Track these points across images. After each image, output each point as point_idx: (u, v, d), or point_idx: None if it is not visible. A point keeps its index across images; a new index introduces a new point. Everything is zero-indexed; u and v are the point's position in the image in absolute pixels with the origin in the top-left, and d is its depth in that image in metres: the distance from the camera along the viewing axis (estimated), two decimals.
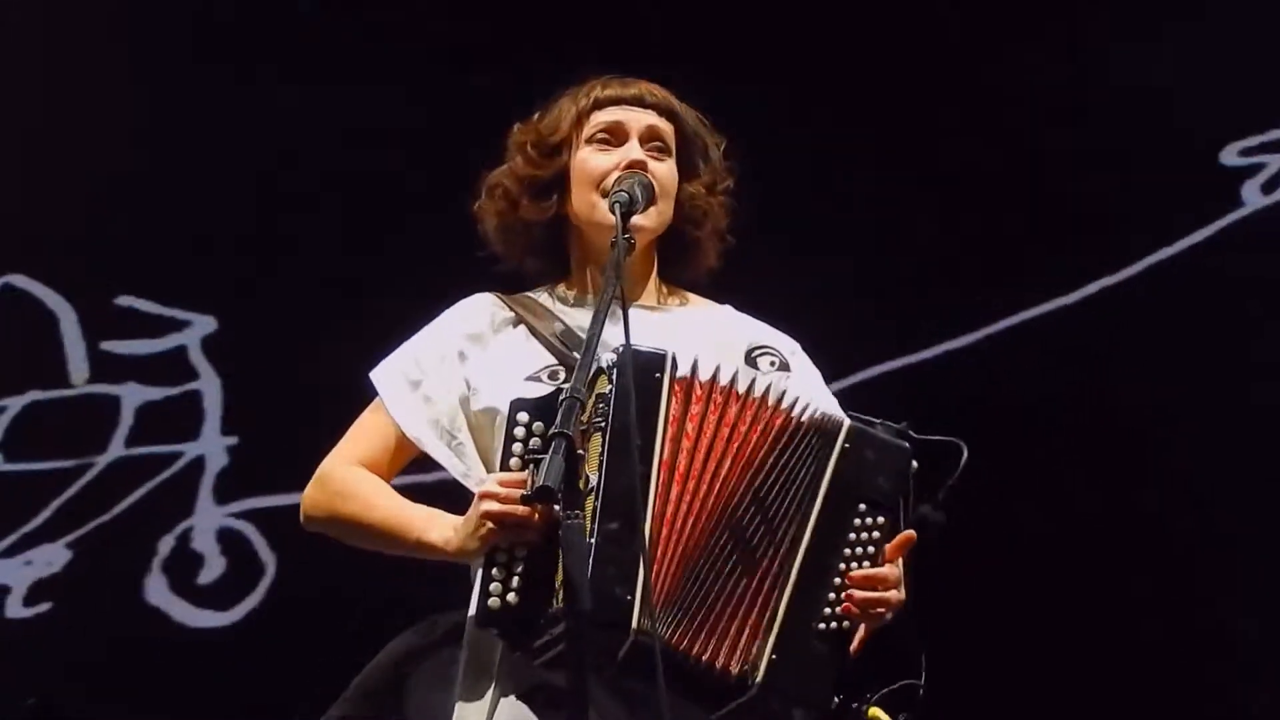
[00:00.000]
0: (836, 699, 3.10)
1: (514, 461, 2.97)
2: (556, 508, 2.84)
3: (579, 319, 3.23)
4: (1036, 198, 5.50)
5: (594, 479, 2.92)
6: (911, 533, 3.11)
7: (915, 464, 3.17)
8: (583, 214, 3.30)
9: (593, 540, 2.88)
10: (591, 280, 3.32)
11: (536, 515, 2.89)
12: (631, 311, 3.05)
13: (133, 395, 5.66)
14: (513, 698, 3.05)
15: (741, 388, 3.07)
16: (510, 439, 2.98)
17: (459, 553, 3.05)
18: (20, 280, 5.65)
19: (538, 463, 2.87)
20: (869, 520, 3.09)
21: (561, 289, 3.36)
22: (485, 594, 2.93)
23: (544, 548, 2.90)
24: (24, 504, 5.58)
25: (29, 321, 5.61)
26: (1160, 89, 5.44)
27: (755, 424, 3.06)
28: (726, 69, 5.19)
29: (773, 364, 3.29)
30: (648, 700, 2.88)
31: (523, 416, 2.98)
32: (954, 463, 3.28)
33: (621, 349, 2.95)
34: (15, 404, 5.63)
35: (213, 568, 5.58)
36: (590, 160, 3.30)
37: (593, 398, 2.96)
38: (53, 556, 5.54)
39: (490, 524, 2.94)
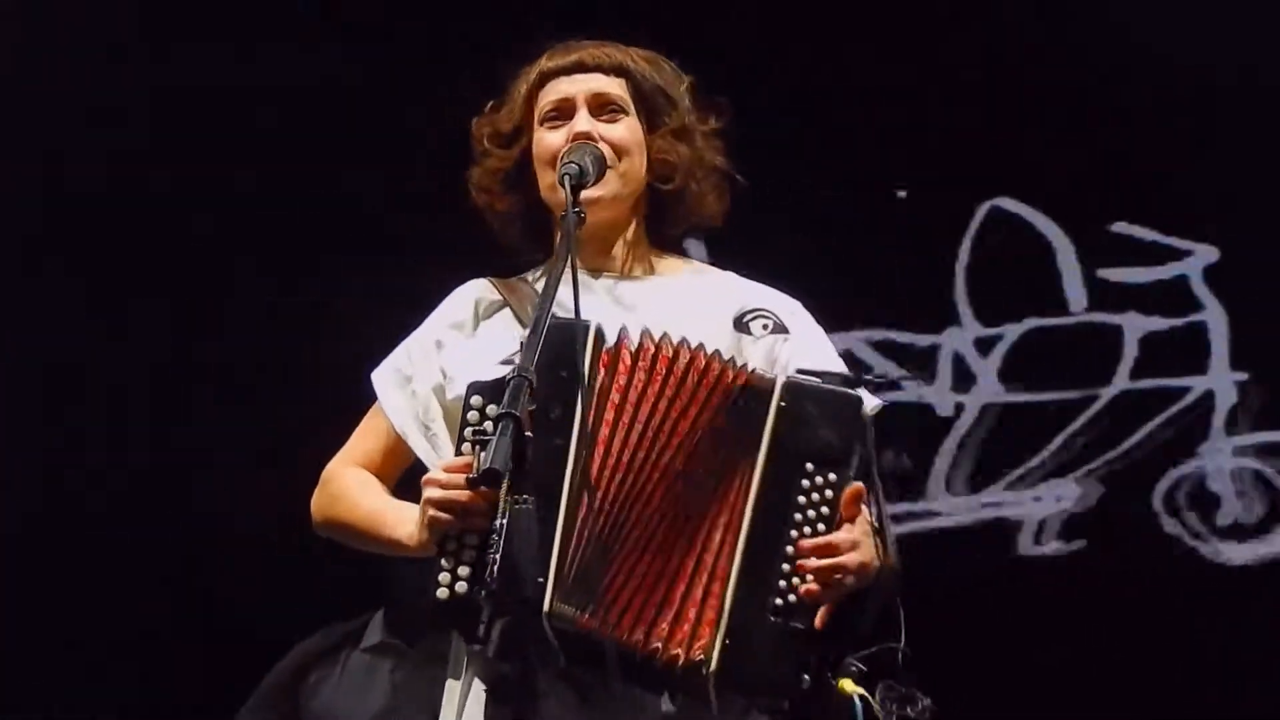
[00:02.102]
0: (806, 677, 2.84)
1: (466, 446, 2.85)
2: (507, 491, 2.73)
3: (562, 297, 3.00)
4: None
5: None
6: (859, 485, 2.86)
7: (871, 410, 2.94)
8: (546, 196, 3.18)
9: (503, 520, 2.75)
10: (584, 256, 3.14)
11: (482, 499, 2.77)
12: (600, 282, 3.00)
13: (1134, 325, 5.49)
14: (479, 690, 2.93)
15: (683, 356, 2.91)
16: (464, 423, 2.86)
17: (420, 546, 2.93)
18: (1008, 204, 5.51)
19: (485, 444, 2.72)
20: (819, 479, 2.87)
21: (548, 269, 3.15)
22: (435, 585, 2.81)
23: (491, 533, 2.77)
24: (1027, 435, 5.49)
25: (1020, 246, 5.49)
26: None
27: (691, 392, 2.90)
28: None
29: (765, 327, 3.11)
30: (598, 688, 2.80)
31: (476, 400, 2.86)
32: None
33: (543, 324, 2.82)
34: (1013, 331, 5.50)
35: (1229, 509, 5.40)
36: (544, 140, 3.19)
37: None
38: (1062, 491, 5.41)
39: (433, 511, 2.84)
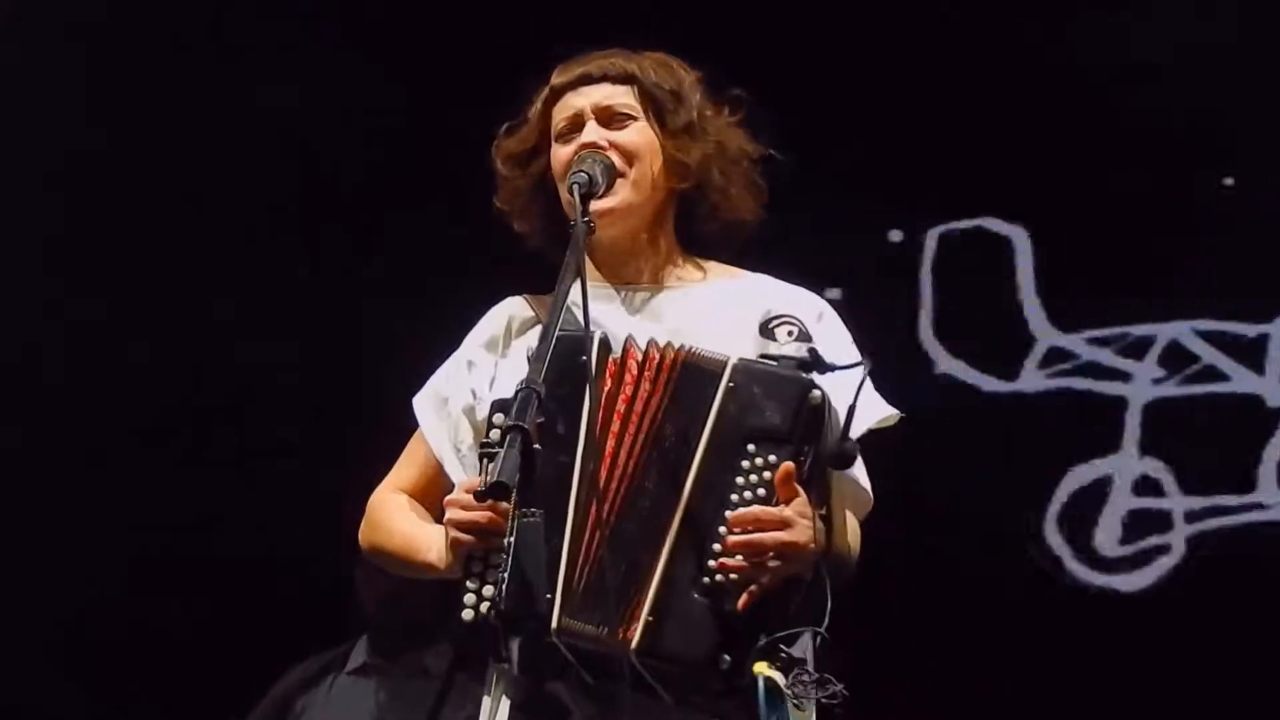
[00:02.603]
0: (726, 657, 2.80)
1: (479, 463, 2.82)
2: (517, 506, 2.73)
3: (595, 312, 2.97)
4: None
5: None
6: (789, 464, 2.81)
7: (818, 394, 2.85)
8: (568, 211, 3.09)
9: (510, 539, 2.76)
10: (603, 271, 3.16)
11: (498, 516, 2.77)
12: (619, 294, 2.98)
13: None
14: (505, 706, 2.90)
15: (659, 357, 2.90)
16: (488, 441, 2.83)
17: (448, 569, 2.92)
18: None
19: (494, 458, 2.70)
20: (759, 460, 2.85)
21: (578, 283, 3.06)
22: (461, 607, 2.82)
23: (506, 551, 2.78)
24: None
25: None
26: None
27: (662, 389, 2.90)
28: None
29: (790, 334, 3.07)
30: (618, 699, 2.77)
31: (498, 418, 2.85)
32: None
33: (551, 336, 2.81)
34: None
35: None
36: (557, 155, 3.18)
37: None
38: None
39: (455, 532, 2.84)
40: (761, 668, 2.83)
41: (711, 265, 3.25)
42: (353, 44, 5.24)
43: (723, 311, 3.12)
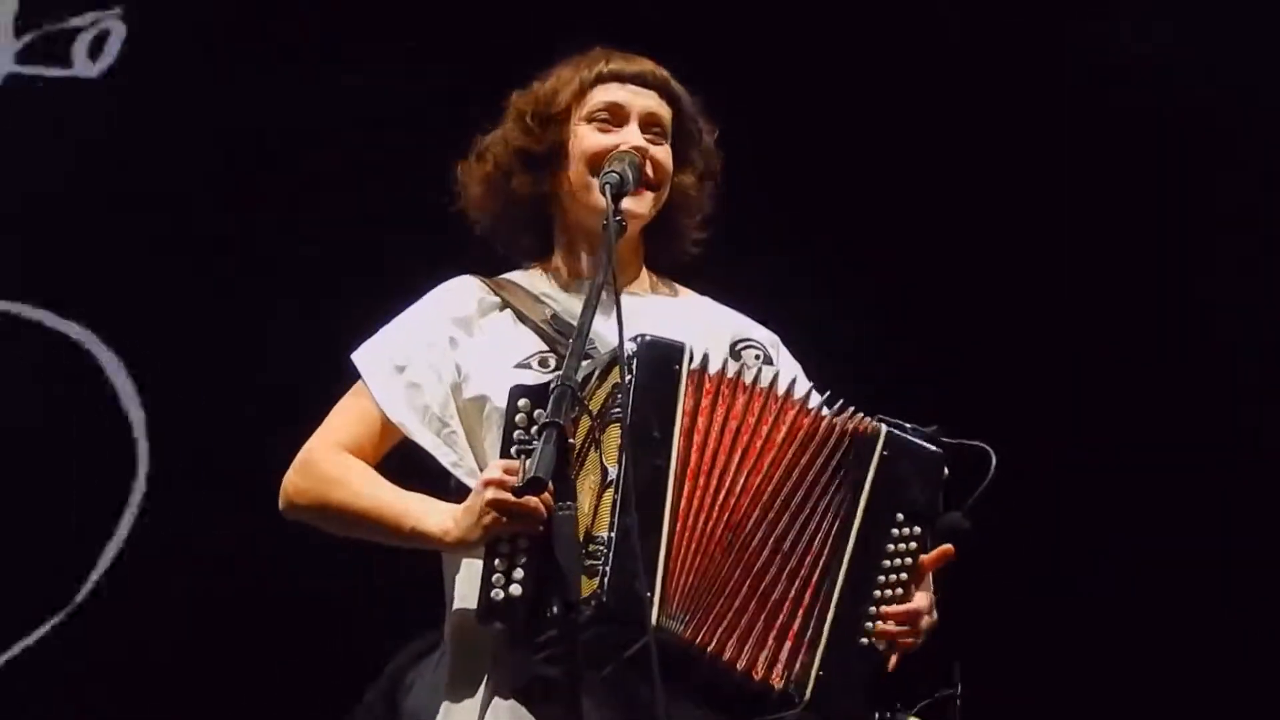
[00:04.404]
0: (878, 716, 2.98)
1: (514, 450, 2.85)
2: (551, 499, 2.78)
3: (567, 304, 3.12)
4: None
5: (612, 472, 2.82)
6: (950, 547, 2.98)
7: (947, 471, 3.01)
8: (578, 194, 3.14)
9: (611, 534, 2.78)
10: (580, 263, 3.19)
11: (541, 505, 2.79)
12: (623, 299, 2.92)
13: None
14: (507, 694, 2.92)
15: (748, 379, 2.96)
16: (512, 426, 2.87)
17: (458, 543, 2.91)
18: None
19: (529, 452, 2.77)
20: (906, 531, 2.97)
21: (546, 271, 3.21)
22: (488, 586, 2.82)
23: (544, 539, 2.80)
24: None
25: None
26: None
27: (775, 420, 2.95)
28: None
29: (757, 357, 3.15)
30: (646, 701, 2.75)
31: (523, 403, 2.86)
32: (983, 470, 3.05)
33: (639, 338, 2.86)
34: None
35: None
36: (589, 138, 3.15)
37: (606, 387, 2.87)
38: None
39: (495, 514, 2.82)
40: None
41: (673, 283, 3.29)
42: None
43: (697, 327, 3.12)
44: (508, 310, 3.14)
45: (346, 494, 3.04)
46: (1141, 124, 5.07)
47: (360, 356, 3.14)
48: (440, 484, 3.05)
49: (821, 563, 2.93)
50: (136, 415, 5.08)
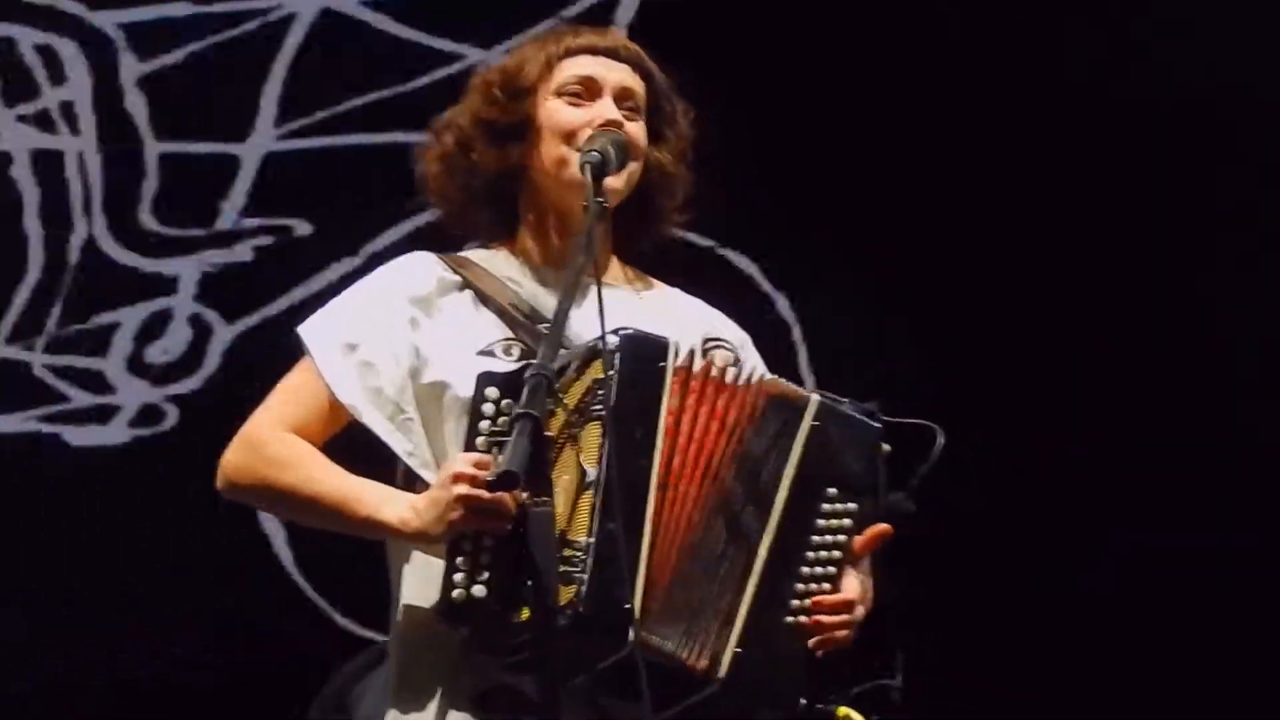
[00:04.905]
0: (803, 700, 2.79)
1: (480, 441, 2.71)
2: (525, 495, 2.64)
3: (534, 289, 2.98)
4: None
5: (592, 473, 2.70)
6: (887, 527, 2.85)
7: (887, 447, 2.88)
8: (551, 169, 3.01)
9: (591, 540, 2.66)
10: (550, 245, 3.04)
11: (512, 501, 2.65)
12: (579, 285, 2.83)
13: None
14: (464, 702, 2.78)
15: (729, 377, 2.84)
16: (478, 415, 2.72)
17: (417, 535, 2.77)
18: None
19: (500, 445, 2.64)
20: (839, 506, 2.84)
21: (511, 253, 3.06)
22: (450, 585, 2.67)
23: (511, 537, 2.66)
24: None
25: None
26: None
27: (737, 411, 2.82)
28: None
29: (725, 359, 2.99)
30: (620, 712, 2.69)
31: (491, 392, 2.72)
32: (927, 449, 2.90)
33: (621, 332, 2.75)
34: None
35: None
36: (561, 112, 3.02)
37: (585, 381, 2.74)
38: None
39: (462, 509, 2.66)
40: (846, 712, 2.83)
41: (644, 274, 3.18)
42: None
43: (667, 320, 3.01)
44: (468, 291, 2.99)
45: (295, 477, 2.89)
46: (1141, 119, 5.05)
47: (308, 331, 2.98)
48: (384, 474, 2.93)
49: (750, 538, 2.80)
50: None
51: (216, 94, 5.09)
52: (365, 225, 4.86)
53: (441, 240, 3.13)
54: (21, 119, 5.05)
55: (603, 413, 2.72)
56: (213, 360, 5.06)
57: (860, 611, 2.85)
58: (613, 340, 2.76)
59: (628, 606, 2.68)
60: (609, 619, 2.67)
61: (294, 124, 5.08)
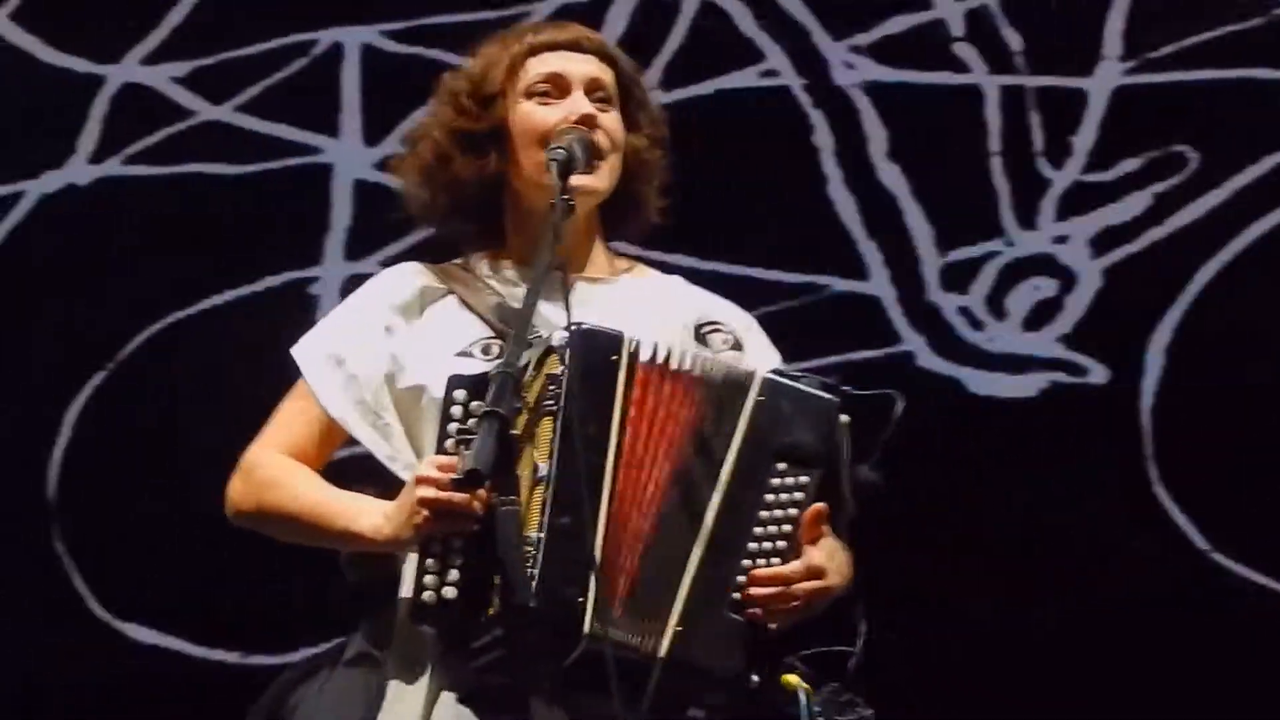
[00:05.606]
0: (755, 678, 2.76)
1: (450, 443, 2.71)
2: (492, 494, 2.65)
3: (517, 291, 2.93)
4: None
5: (544, 468, 2.70)
6: (822, 505, 2.78)
7: (846, 418, 2.83)
8: (530, 175, 2.99)
9: (541, 535, 2.66)
10: (532, 247, 2.94)
11: (475, 502, 2.65)
12: (575, 284, 2.87)
13: None
14: (451, 698, 2.78)
15: (686, 366, 2.81)
16: (447, 418, 2.73)
17: (390, 542, 2.79)
18: None
19: (468, 444, 2.64)
20: (789, 480, 2.80)
21: (499, 258, 3.04)
22: (420, 588, 2.69)
23: (482, 538, 2.67)
24: None
25: None
26: None
27: (690, 396, 2.80)
28: None
29: (725, 342, 3.01)
30: (593, 710, 2.66)
31: (459, 394, 2.73)
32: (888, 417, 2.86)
33: (574, 328, 2.74)
34: None
35: None
36: (534, 115, 3.00)
37: (541, 378, 2.74)
38: None
39: (426, 512, 2.68)
40: (792, 680, 2.78)
41: (632, 261, 3.16)
42: None
43: (656, 308, 3.02)
44: (451, 296, 3.01)
45: (281, 496, 2.94)
46: None
47: (300, 351, 3.02)
48: (398, 485, 2.88)
49: (696, 525, 2.78)
50: None
51: None
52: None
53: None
54: None
55: (555, 408, 2.73)
56: None
57: (833, 581, 2.82)
58: (564, 336, 2.76)
59: (581, 600, 2.69)
60: (561, 614, 2.68)
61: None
